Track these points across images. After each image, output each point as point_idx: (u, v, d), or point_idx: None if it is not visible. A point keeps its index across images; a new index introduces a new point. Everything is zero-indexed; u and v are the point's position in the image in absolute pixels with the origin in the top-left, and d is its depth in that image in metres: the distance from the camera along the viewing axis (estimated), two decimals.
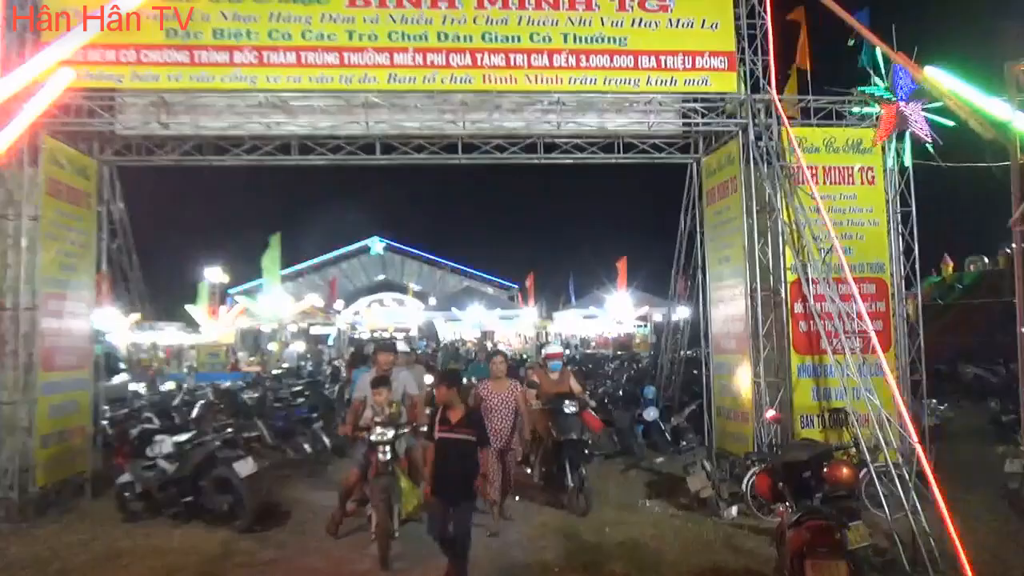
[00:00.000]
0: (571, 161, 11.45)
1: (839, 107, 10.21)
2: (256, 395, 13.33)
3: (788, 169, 9.63)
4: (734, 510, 8.36)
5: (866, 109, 10.04)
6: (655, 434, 12.49)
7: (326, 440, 11.61)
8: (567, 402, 9.01)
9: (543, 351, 10.46)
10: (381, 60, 9.40)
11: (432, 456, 6.17)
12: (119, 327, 35.66)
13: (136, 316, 37.32)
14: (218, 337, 35.39)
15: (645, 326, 42.73)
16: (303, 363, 28.62)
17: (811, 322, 9.41)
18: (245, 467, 7.76)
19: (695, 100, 10.33)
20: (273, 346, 36.85)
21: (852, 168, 9.91)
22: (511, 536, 7.71)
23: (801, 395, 9.53)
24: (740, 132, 9.93)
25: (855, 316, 8.71)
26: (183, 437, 8.55)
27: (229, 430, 8.51)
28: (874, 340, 8.44)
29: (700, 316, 11.84)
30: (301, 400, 13.35)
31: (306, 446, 11.17)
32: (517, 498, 9.06)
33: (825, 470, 6.50)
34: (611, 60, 9.68)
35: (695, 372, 14.65)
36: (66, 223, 9.72)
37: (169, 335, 38.56)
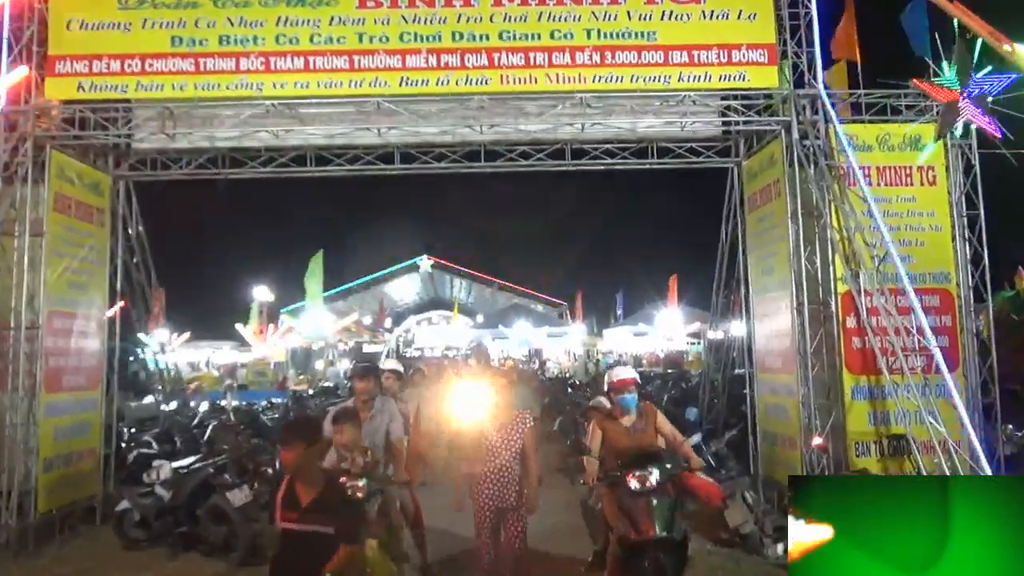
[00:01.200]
0: (601, 167, 10.76)
1: (894, 101, 9.28)
2: (277, 416, 12.89)
3: (837, 170, 8.75)
4: (779, 548, 7.46)
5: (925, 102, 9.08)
6: (710, 454, 11.57)
7: None
8: (651, 469, 5.21)
9: (609, 376, 5.88)
10: (393, 63, 8.89)
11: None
12: (170, 346, 36.26)
13: (186, 335, 38.09)
14: (269, 355, 35.59)
15: (698, 343, 41.43)
16: (347, 381, 28.36)
17: (866, 338, 8.48)
18: (239, 496, 7.24)
19: (733, 98, 9.54)
20: (320, 364, 36.87)
21: (910, 167, 8.96)
22: None
23: (856, 419, 8.58)
24: (783, 131, 9.08)
25: (915, 331, 7.76)
26: (184, 462, 8.10)
27: (222, 456, 7.98)
28: (938, 357, 7.49)
29: (745, 332, 10.96)
30: None
31: None
32: None
33: None
34: (639, 56, 8.96)
35: (744, 393, 13.73)
36: (76, 240, 9.44)
37: (224, 354, 39.01)
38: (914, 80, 8.63)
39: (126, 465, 8.52)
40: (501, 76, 8.92)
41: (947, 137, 8.83)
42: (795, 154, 8.85)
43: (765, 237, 9.85)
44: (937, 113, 8.80)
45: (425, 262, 56.77)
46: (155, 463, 8.09)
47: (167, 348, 35.90)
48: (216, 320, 40.81)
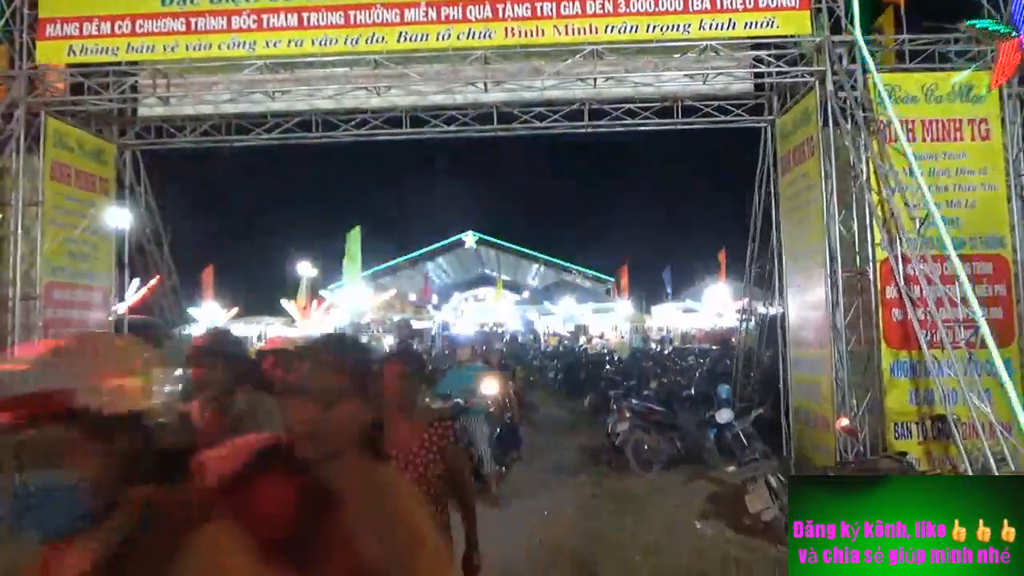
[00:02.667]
0: (621, 128, 10.09)
1: (942, 48, 8.36)
2: None
3: (876, 124, 7.91)
4: None
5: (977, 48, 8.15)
6: (730, 439, 10.93)
7: None
8: None
9: None
10: (390, 17, 8.36)
11: None
12: (218, 320, 36.86)
13: (235, 310, 38.65)
14: (316, 331, 35.83)
15: (749, 320, 40.04)
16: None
17: (908, 310, 7.69)
18: None
19: (764, 48, 8.74)
20: (365, 340, 36.96)
21: (960, 121, 8.06)
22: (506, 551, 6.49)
23: (896, 398, 7.82)
24: (817, 83, 8.27)
25: (960, 301, 6.97)
26: None
27: None
28: (984, 330, 6.69)
29: (778, 305, 10.21)
30: None
31: None
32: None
33: None
34: (655, 3, 8.23)
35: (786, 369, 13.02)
36: (77, 209, 9.24)
37: (276, 329, 39.49)
38: (967, 23, 7.72)
39: None
40: (506, 29, 8.32)
41: (1003, 86, 7.90)
42: (830, 108, 8.04)
43: (798, 201, 9.06)
44: (992, 59, 7.87)
45: (470, 238, 56.50)
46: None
47: (216, 323, 36.67)
48: (264, 296, 41.34)
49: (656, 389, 12.93)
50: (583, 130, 10.08)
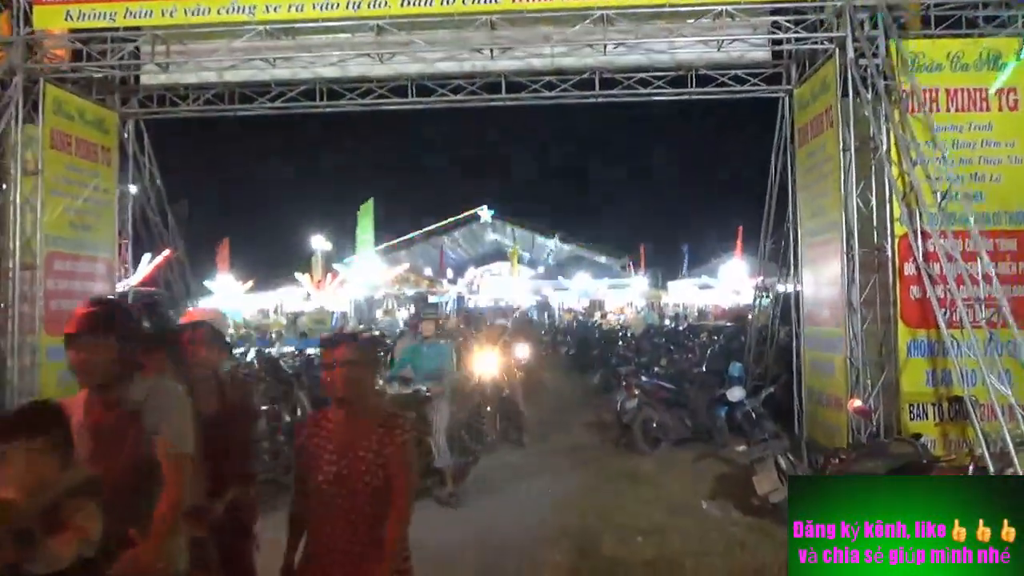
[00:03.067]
0: (633, 98, 9.80)
1: (969, 13, 7.98)
2: (301, 364, 12.56)
3: (898, 93, 7.57)
4: None
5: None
6: (741, 418, 10.73)
7: None
8: None
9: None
10: None
11: None
12: (235, 293, 36.98)
13: (250, 283, 38.76)
14: (331, 304, 35.86)
15: (766, 296, 39.54)
16: (398, 330, 28.21)
17: (926, 287, 7.41)
18: None
19: (781, 12, 8.40)
20: (379, 314, 36.95)
21: (986, 90, 7.69)
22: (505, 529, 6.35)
23: (912, 379, 7.56)
24: (837, 50, 7.92)
25: (982, 279, 6.68)
26: None
27: None
28: (1005, 310, 6.41)
29: (793, 281, 9.94)
30: None
31: None
32: None
33: None
34: None
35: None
36: (78, 179, 9.12)
37: (293, 302, 39.54)
38: None
39: None
40: None
41: None
42: (850, 76, 7.70)
43: (815, 174, 8.76)
44: (1023, 25, 7.50)
45: (485, 212, 56.19)
46: None
47: (232, 295, 36.83)
48: (278, 268, 41.41)
49: (666, 366, 12.74)
50: (594, 100, 9.80)
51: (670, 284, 45.86)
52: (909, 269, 7.59)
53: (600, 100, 9.82)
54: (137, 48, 8.92)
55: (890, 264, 7.57)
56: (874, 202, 7.75)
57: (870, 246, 7.76)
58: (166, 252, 18.18)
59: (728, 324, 25.33)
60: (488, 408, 9.70)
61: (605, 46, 8.46)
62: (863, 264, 7.71)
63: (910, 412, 7.52)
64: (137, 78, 9.99)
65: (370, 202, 29.31)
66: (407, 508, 2.80)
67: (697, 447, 10.00)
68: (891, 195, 7.57)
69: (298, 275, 37.02)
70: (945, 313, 6.92)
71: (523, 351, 12.50)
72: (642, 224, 72.21)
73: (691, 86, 9.58)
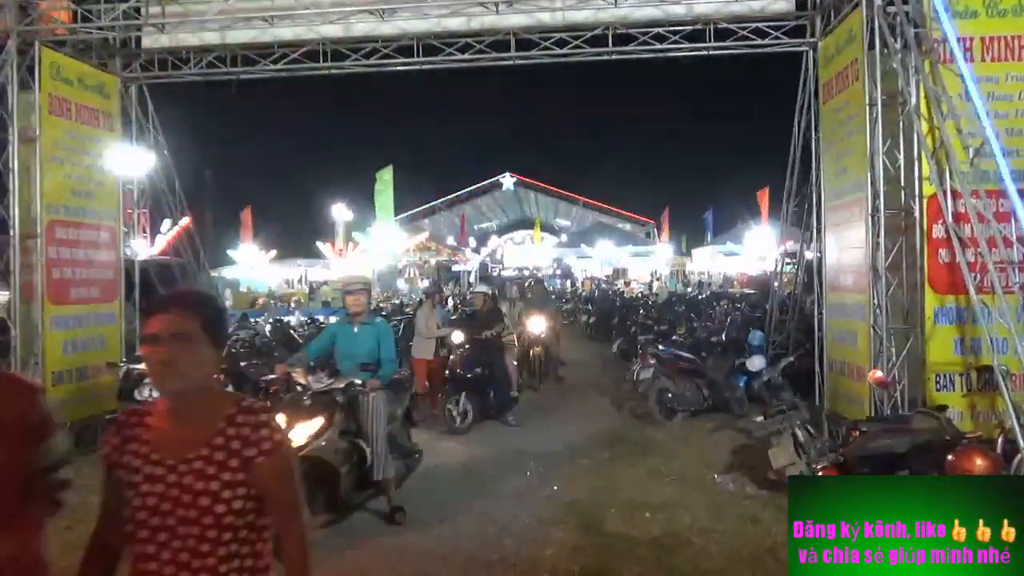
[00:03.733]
0: (649, 55, 9.36)
1: None
2: (309, 333, 12.44)
3: (928, 42, 7.07)
4: None
5: None
6: (761, 388, 10.41)
7: None
8: None
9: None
10: None
11: None
12: (258, 262, 37.12)
13: (273, 252, 38.87)
14: (354, 273, 35.83)
15: (792, 263, 38.75)
16: (418, 299, 28.08)
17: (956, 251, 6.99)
18: None
19: None
20: (401, 283, 36.89)
21: None
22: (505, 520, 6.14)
23: (939, 348, 7.16)
24: None
25: (1016, 241, 6.26)
26: None
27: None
28: None
29: (814, 245, 9.52)
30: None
31: None
32: None
33: (950, 460, 4.51)
34: None
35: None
36: (78, 145, 8.94)
37: (317, 272, 39.64)
38: None
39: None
40: None
41: None
42: (877, 24, 7.21)
43: (840, 131, 8.30)
44: None
45: (508, 179, 55.76)
46: (147, 380, 7.64)
47: (255, 265, 36.93)
48: (301, 237, 41.45)
49: (685, 335, 12.40)
50: (607, 57, 9.37)
51: (695, 251, 45.22)
52: (938, 231, 7.15)
53: (614, 57, 9.38)
54: (133, 9, 8.66)
55: (917, 227, 7.14)
56: (902, 160, 7.30)
57: (897, 207, 7.33)
58: (184, 220, 18.17)
59: (751, 292, 24.89)
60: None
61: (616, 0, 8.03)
62: (889, 227, 7.29)
63: (936, 382, 7.14)
64: (138, 41, 9.74)
65: (388, 169, 28.90)
66: (300, 547, 1.89)
67: (714, 418, 9.74)
68: (920, 153, 7.12)
69: (319, 244, 37.02)
70: (975, 277, 6.51)
71: (537, 325, 12.24)
72: (666, 190, 71.29)
73: (709, 40, 9.11)
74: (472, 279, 44.77)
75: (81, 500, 6.30)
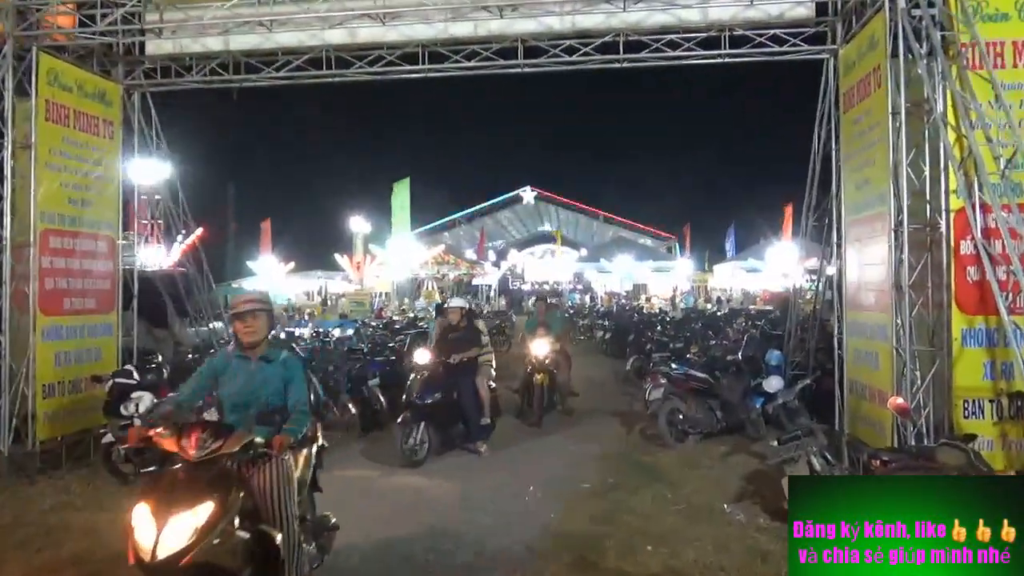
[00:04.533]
0: (662, 63, 9.02)
1: None
2: (311, 347, 12.17)
3: (956, 47, 6.67)
4: None
5: None
6: (777, 411, 9.95)
7: (382, 400, 10.10)
8: None
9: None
10: None
11: None
12: (276, 274, 37.15)
13: (291, 264, 38.91)
14: (373, 286, 35.78)
15: (811, 280, 37.96)
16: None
17: (986, 268, 6.54)
18: None
19: None
20: (420, 299, 36.70)
21: None
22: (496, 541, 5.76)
23: (967, 372, 6.70)
24: (887, 1, 7.03)
25: None
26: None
27: None
28: None
29: (836, 262, 9.08)
30: (386, 353, 11.97)
31: (351, 409, 9.77)
32: None
33: None
34: None
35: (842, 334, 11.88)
36: (76, 153, 8.77)
37: (336, 284, 39.60)
38: None
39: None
40: None
41: None
42: (901, 28, 6.82)
43: (861, 141, 7.89)
44: None
45: (528, 193, 55.53)
46: (134, 394, 7.39)
47: (273, 277, 36.96)
48: (319, 249, 41.44)
49: (698, 353, 11.96)
50: (618, 64, 9.05)
51: (716, 267, 44.62)
52: (966, 248, 6.72)
53: (626, 65, 9.06)
54: (132, 15, 8.49)
55: (944, 242, 6.71)
56: (927, 172, 6.87)
57: (922, 222, 6.90)
58: (198, 231, 18.08)
59: (770, 309, 24.31)
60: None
61: (624, 3, 7.72)
62: (913, 242, 6.86)
63: (964, 409, 6.68)
64: (142, 48, 9.59)
65: (406, 180, 28.78)
66: None
67: (728, 441, 9.31)
68: (947, 164, 6.69)
69: (337, 257, 36.98)
70: (1007, 297, 6.07)
71: (542, 348, 10.66)
72: (688, 205, 70.75)
73: (725, 48, 8.76)
74: (492, 293, 44.68)
75: (61, 520, 5.95)
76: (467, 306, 9.48)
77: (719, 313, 23.60)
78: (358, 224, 35.71)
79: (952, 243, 6.70)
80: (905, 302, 6.79)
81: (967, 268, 6.71)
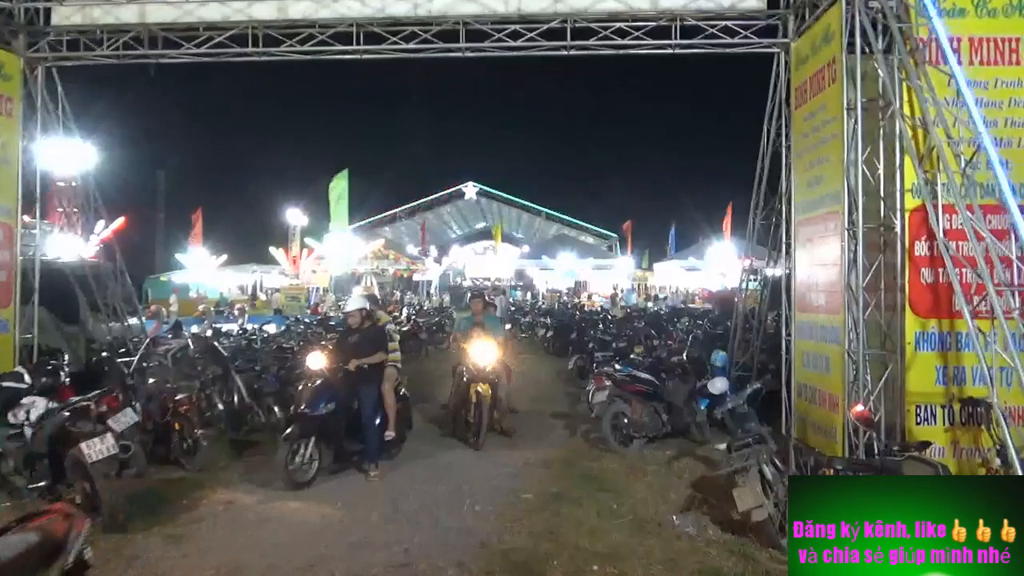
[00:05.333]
0: (609, 51, 8.64)
1: None
2: (236, 345, 11.42)
3: (914, 42, 6.45)
4: None
5: None
6: (724, 415, 9.71)
7: (278, 413, 9.26)
8: None
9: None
10: None
11: None
12: (206, 267, 35.71)
13: (224, 257, 37.50)
14: (310, 280, 34.72)
15: (755, 279, 38.61)
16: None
17: (940, 270, 6.35)
18: (96, 448, 5.68)
19: None
20: (357, 290, 35.80)
21: (1018, 40, 6.58)
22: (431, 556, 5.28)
23: (919, 376, 6.52)
24: None
25: (1017, 260, 5.63)
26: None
27: (93, 395, 6.42)
28: None
29: (784, 262, 8.87)
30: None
31: (277, 412, 9.11)
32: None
33: None
34: None
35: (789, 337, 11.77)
36: None
37: (273, 278, 38.28)
38: None
39: None
40: None
41: None
42: (858, 21, 6.57)
43: (813, 138, 7.65)
44: None
45: (471, 189, 54.94)
46: (25, 400, 6.61)
47: (205, 269, 35.52)
48: (254, 241, 40.04)
49: (643, 354, 11.67)
50: (565, 52, 8.63)
51: (656, 265, 44.94)
52: (920, 249, 6.53)
53: (573, 53, 8.65)
54: None
55: (899, 243, 6.50)
56: (881, 170, 6.66)
57: (875, 221, 6.68)
58: (118, 221, 16.87)
59: (711, 308, 24.35)
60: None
61: None
62: (867, 242, 6.64)
63: (917, 415, 6.49)
64: (47, 18, 8.74)
65: (344, 173, 27.90)
66: None
67: (673, 445, 8.98)
68: (902, 162, 6.48)
69: (273, 250, 35.78)
70: (968, 300, 5.86)
71: (482, 353, 9.02)
72: (629, 203, 71.20)
73: (675, 38, 8.43)
74: (433, 289, 43.98)
75: None
76: (366, 307, 8.10)
77: (661, 312, 23.53)
78: (295, 216, 34.60)
79: (907, 244, 6.49)
80: (859, 304, 6.56)
81: (921, 269, 6.52)
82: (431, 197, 54.29)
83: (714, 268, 37.55)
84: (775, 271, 11.24)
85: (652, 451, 8.75)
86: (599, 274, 43.73)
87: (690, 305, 29.94)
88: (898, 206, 6.50)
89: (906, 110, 6.46)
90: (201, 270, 35.05)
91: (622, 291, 40.33)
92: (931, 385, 6.49)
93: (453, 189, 54.22)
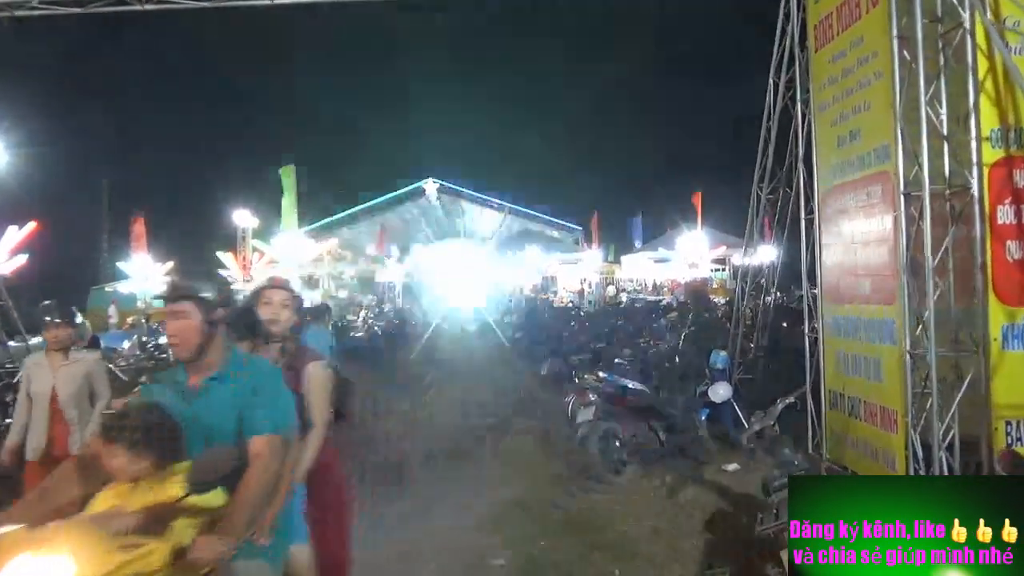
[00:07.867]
0: None
1: None
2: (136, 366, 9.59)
3: None
4: None
5: None
6: (727, 423, 8.16)
7: None
8: None
9: None
10: None
11: None
12: (152, 276, 33.57)
13: (170, 264, 35.27)
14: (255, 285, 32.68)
15: (723, 270, 37.59)
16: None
17: None
18: None
19: None
20: (317, 296, 33.91)
21: None
22: None
23: (1009, 382, 4.97)
24: None
25: None
26: None
27: None
28: None
29: (802, 241, 7.29)
30: None
31: None
32: None
33: None
34: None
35: (784, 326, 10.24)
36: None
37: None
38: None
39: None
40: None
41: None
42: None
43: (845, 84, 6.07)
44: None
45: (431, 186, 52.88)
46: None
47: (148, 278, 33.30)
48: (202, 245, 37.77)
49: (631, 358, 10.06)
50: None
51: (624, 258, 43.70)
52: (1005, 215, 4.99)
53: None
54: None
55: (978, 211, 4.92)
56: (944, 115, 5.08)
57: (940, 183, 5.12)
58: (32, 225, 15.35)
59: (683, 300, 22.82)
60: None
61: None
62: (930, 212, 5.07)
63: (1007, 433, 4.95)
64: None
65: (291, 167, 25.62)
66: None
67: (672, 466, 7.36)
68: (976, 101, 4.92)
69: (221, 255, 33.61)
70: None
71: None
72: (595, 195, 70.02)
73: None
74: (396, 293, 42.02)
75: None
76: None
77: (636, 306, 22.00)
78: (243, 218, 32.44)
79: (988, 211, 4.93)
80: (926, 290, 4.98)
81: (1007, 243, 4.98)
82: (391, 195, 52.30)
83: (684, 258, 36.29)
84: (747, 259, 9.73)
85: (650, 479, 7.12)
86: (566, 269, 42.39)
87: (659, 298, 28.55)
88: (973, 160, 4.92)
89: (979, 34, 4.90)
90: (146, 280, 32.90)
91: (591, 285, 38.99)
92: None
93: (414, 186, 52.27)
